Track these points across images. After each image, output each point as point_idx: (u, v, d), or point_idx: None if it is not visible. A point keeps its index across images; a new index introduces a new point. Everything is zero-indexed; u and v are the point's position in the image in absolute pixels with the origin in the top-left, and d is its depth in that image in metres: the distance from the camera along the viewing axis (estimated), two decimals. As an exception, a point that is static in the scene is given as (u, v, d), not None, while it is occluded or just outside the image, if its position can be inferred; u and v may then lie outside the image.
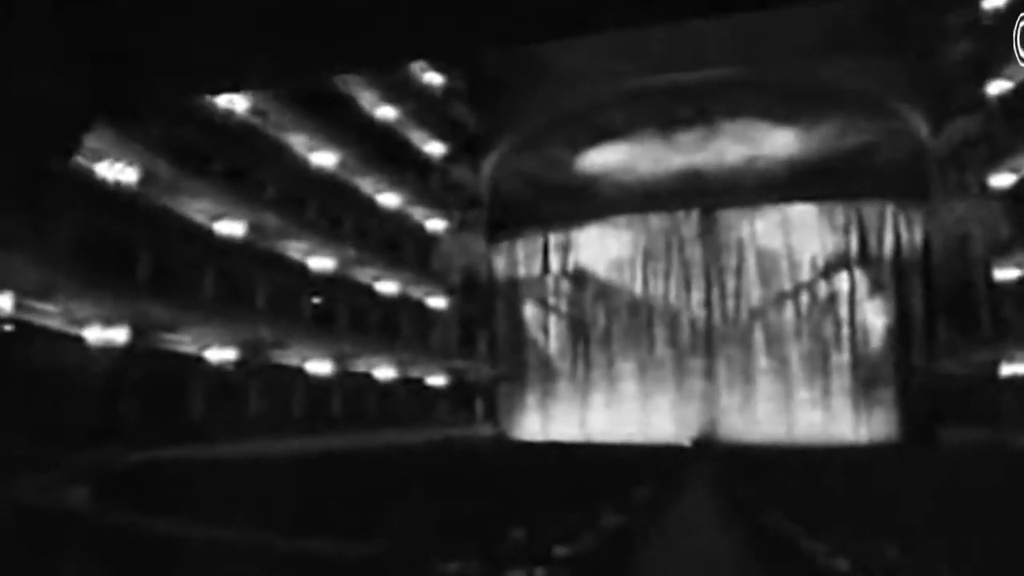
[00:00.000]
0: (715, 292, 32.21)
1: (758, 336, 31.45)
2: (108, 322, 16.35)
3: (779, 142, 31.38)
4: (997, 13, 23.27)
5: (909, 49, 26.32)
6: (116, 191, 17.65)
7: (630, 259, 33.67)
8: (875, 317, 29.94)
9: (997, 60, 22.89)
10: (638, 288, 33.41)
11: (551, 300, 34.93)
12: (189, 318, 19.35)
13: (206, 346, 20.08)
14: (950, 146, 26.61)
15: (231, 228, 21.32)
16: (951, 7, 24.97)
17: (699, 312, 32.34)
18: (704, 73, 30.07)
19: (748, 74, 29.54)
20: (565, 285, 34.75)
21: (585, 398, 33.23)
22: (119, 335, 16.55)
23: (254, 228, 22.19)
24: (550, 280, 35.05)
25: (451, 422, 30.57)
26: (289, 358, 23.60)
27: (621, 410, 32.43)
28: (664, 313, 32.80)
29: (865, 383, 29.59)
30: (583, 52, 29.87)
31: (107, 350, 16.42)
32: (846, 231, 30.75)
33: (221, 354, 20.18)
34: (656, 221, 33.44)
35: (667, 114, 31.96)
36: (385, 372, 27.94)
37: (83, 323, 16.07)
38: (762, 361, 31.19)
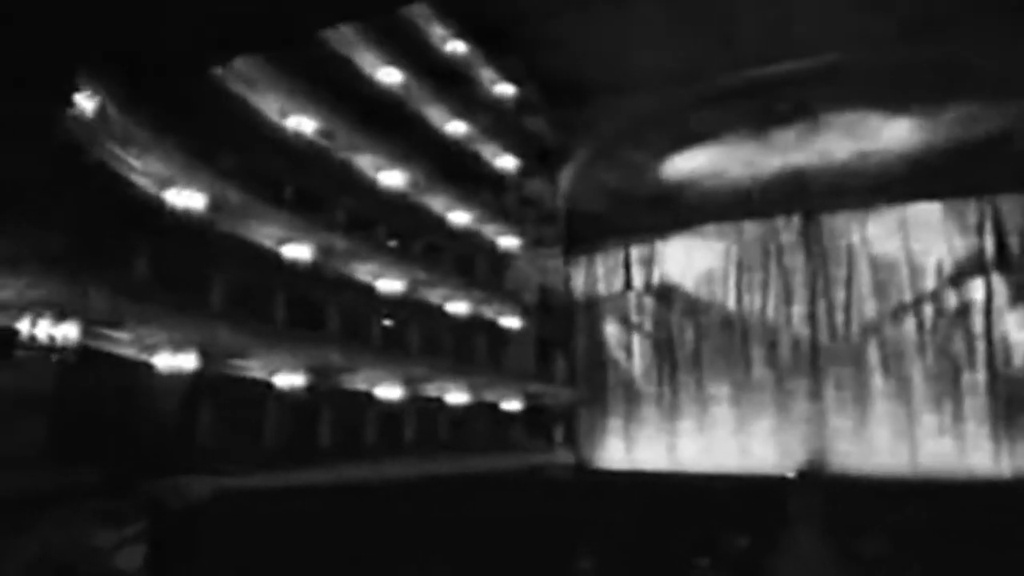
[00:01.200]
0: (821, 306, 28.57)
1: (873, 354, 27.60)
2: (177, 348, 16.14)
3: (895, 134, 27.65)
4: None
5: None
6: (185, 217, 17.28)
7: (721, 271, 30.66)
8: (1018, 330, 25.64)
9: None
10: (731, 303, 30.34)
11: (634, 318, 32.44)
12: (258, 343, 18.90)
13: (275, 371, 19.36)
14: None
15: (299, 252, 20.74)
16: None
17: (802, 328, 28.81)
18: (803, 62, 27.20)
19: (855, 59, 26.35)
20: (649, 302, 32.17)
21: (673, 423, 30.40)
22: (188, 361, 16.31)
23: (323, 251, 21.59)
24: (632, 297, 32.59)
25: (528, 448, 28.88)
26: (359, 383, 22.75)
27: (714, 436, 29.40)
28: (761, 330, 29.50)
29: (1007, 406, 25.33)
30: (664, 51, 27.97)
31: (176, 377, 16.27)
32: (979, 231, 26.46)
33: (290, 379, 19.52)
34: (751, 229, 30.30)
35: (761, 111, 29.07)
36: (457, 396, 26.58)
37: (152, 349, 15.83)
38: (878, 381, 27.36)
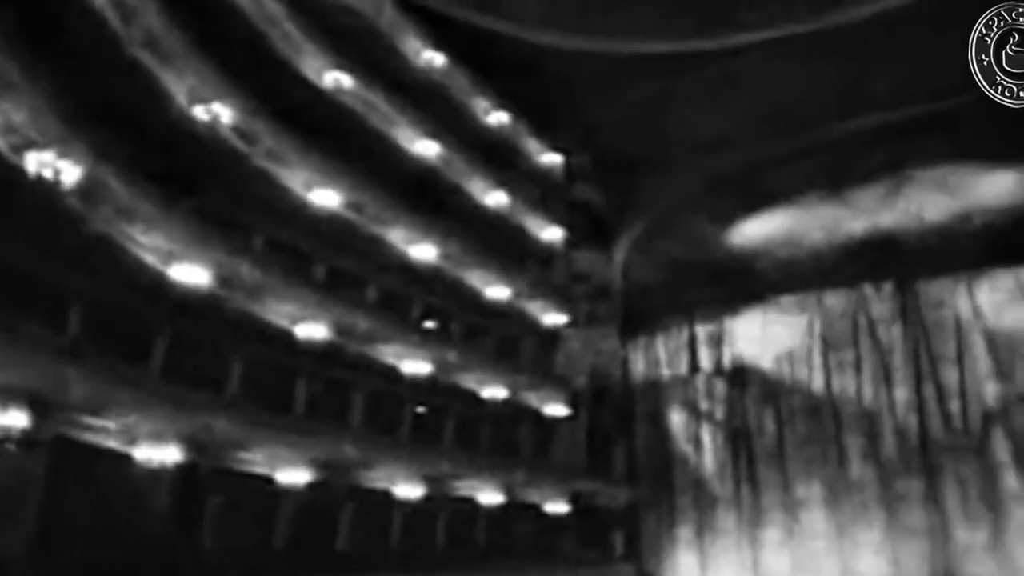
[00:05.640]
0: (928, 388, 24.16)
1: (1001, 447, 22.82)
2: (164, 440, 14.22)
3: (998, 188, 24.13)
4: None
5: None
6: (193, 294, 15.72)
7: (804, 349, 26.70)
8: None
9: None
10: (818, 385, 26.15)
11: (703, 405, 28.54)
12: (258, 435, 16.76)
13: (278, 467, 17.32)
14: None
15: (315, 332, 18.65)
16: None
17: (908, 416, 24.28)
18: (886, 115, 24.33)
19: (946, 107, 23.30)
20: (720, 385, 28.32)
21: (755, 531, 25.68)
22: (172, 454, 14.30)
23: (344, 332, 19.46)
24: (700, 380, 28.85)
25: (580, 559, 24.67)
26: (379, 480, 20.05)
27: (807, 549, 24.56)
28: (858, 418, 25.09)
29: None
30: (727, 113, 25.59)
31: (165, 472, 14.53)
32: None
33: (297, 475, 17.48)
34: (835, 300, 26.55)
35: (841, 169, 26.01)
36: (492, 496, 22.97)
37: (137, 441, 14.05)
38: (1011, 483, 22.40)
